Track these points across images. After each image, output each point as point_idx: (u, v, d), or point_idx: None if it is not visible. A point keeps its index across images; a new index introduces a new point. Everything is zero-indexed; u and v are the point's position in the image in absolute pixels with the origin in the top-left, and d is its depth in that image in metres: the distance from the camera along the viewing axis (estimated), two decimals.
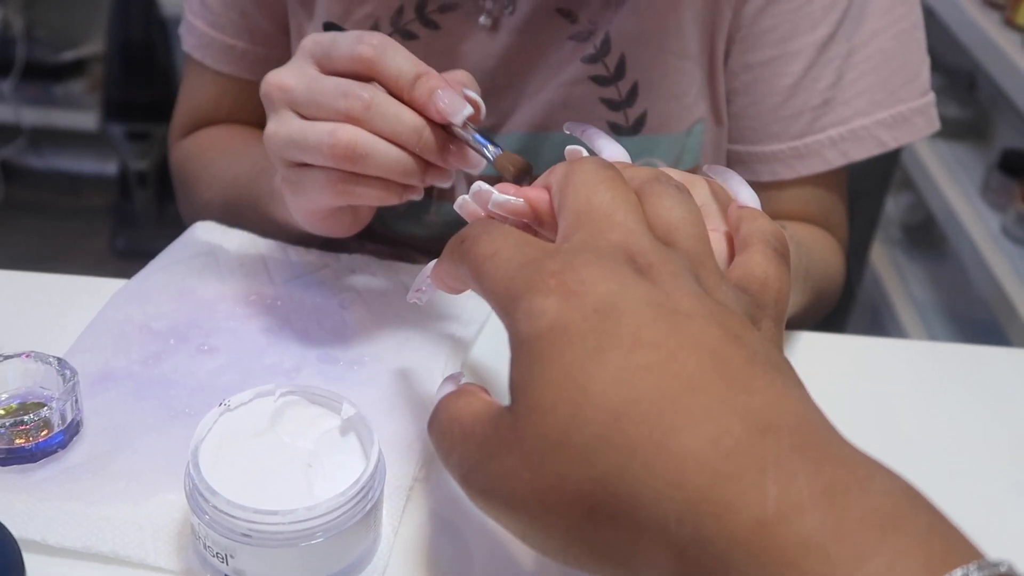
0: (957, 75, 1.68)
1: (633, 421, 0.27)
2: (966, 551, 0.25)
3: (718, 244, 0.40)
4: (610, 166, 0.36)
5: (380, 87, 0.47)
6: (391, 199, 0.49)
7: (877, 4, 0.65)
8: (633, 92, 0.65)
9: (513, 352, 0.31)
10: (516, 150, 0.66)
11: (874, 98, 0.66)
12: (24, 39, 2.16)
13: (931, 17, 1.55)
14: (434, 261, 0.39)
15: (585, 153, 0.42)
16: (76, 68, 2.25)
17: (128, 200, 2.14)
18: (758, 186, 0.70)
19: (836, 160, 0.67)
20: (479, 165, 0.49)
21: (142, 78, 2.02)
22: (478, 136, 0.47)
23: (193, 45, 0.74)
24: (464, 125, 0.47)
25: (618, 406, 0.28)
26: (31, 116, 2.22)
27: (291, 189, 0.51)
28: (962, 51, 1.44)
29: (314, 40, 0.48)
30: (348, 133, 0.46)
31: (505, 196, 0.38)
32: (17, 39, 2.16)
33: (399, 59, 0.47)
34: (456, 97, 0.47)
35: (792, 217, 0.70)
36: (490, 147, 0.47)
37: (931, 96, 0.68)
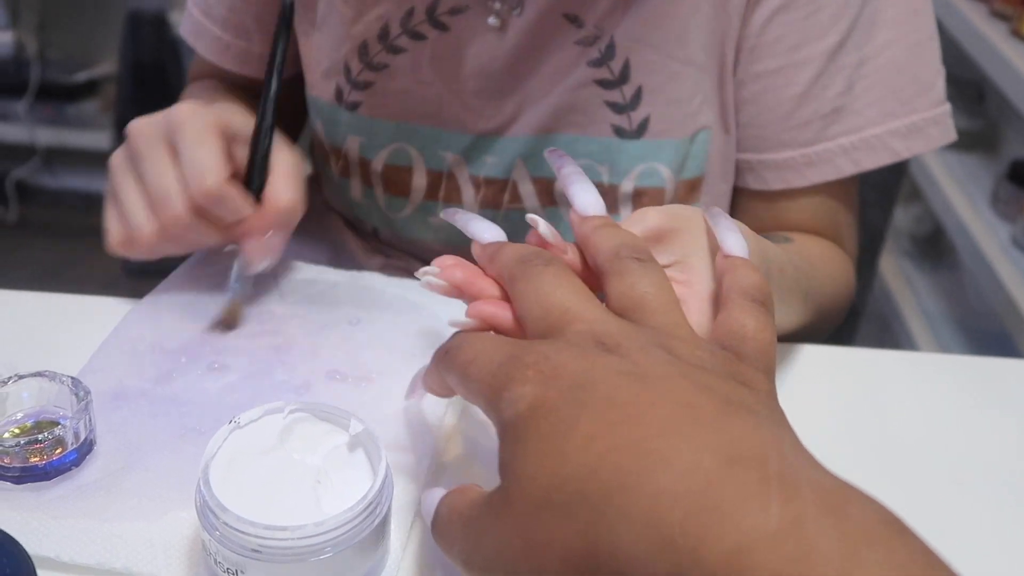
0: (965, 86, 1.68)
1: (608, 470, 0.28)
2: None
3: (700, 306, 0.42)
4: (553, 262, 0.37)
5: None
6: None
7: (888, 16, 0.66)
8: (637, 96, 0.65)
9: (500, 438, 0.33)
10: (521, 153, 0.67)
11: (886, 108, 0.66)
12: (38, 60, 2.19)
13: (938, 29, 1.55)
14: (426, 366, 0.41)
15: (543, 226, 0.41)
16: (89, 88, 2.27)
17: None
18: (768, 196, 0.70)
19: (848, 168, 0.67)
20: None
21: (155, 98, 2.01)
22: (235, 279, 0.58)
23: (188, 31, 0.77)
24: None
25: (593, 460, 0.29)
26: (45, 136, 2.25)
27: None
28: (970, 62, 1.44)
29: None
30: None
31: (491, 307, 0.39)
32: (31, 60, 2.18)
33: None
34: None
35: (801, 227, 0.70)
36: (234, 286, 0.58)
37: (946, 107, 0.69)
